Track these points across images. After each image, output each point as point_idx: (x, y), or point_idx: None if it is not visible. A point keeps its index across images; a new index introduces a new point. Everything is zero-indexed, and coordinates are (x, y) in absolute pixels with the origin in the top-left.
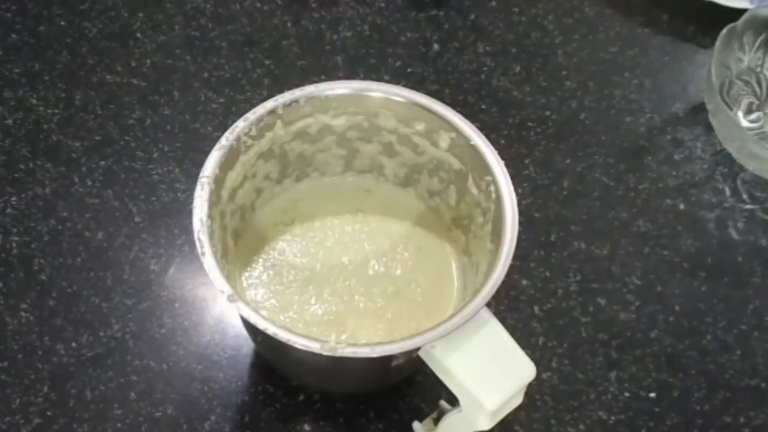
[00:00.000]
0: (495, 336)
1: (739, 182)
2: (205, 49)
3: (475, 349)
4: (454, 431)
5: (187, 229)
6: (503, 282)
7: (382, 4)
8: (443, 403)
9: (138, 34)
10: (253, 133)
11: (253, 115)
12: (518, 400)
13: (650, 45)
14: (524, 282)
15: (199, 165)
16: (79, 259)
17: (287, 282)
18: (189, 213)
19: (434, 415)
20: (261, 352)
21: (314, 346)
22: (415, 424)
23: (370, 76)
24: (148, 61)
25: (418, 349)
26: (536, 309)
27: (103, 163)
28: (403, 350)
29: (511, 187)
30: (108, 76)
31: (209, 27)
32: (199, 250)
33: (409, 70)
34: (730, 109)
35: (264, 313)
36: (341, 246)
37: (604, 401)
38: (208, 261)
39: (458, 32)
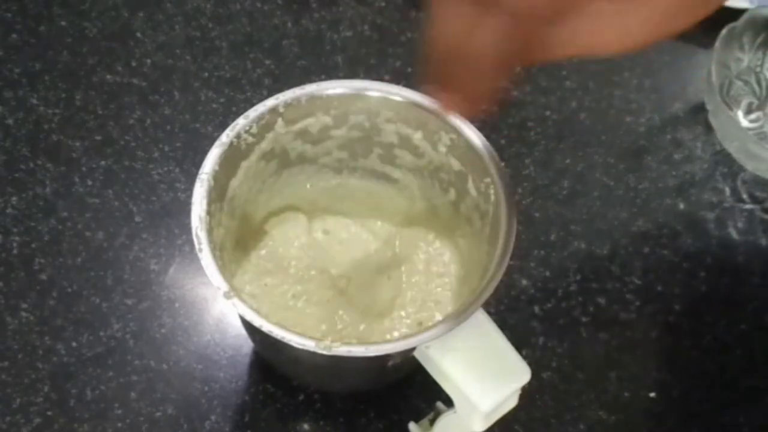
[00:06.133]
0: (490, 338)
1: (738, 182)
2: (205, 49)
3: (471, 351)
4: None
5: (188, 229)
6: (503, 282)
7: (382, 4)
8: (439, 404)
9: (138, 34)
10: (254, 130)
11: (254, 112)
12: (513, 402)
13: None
14: (524, 282)
15: (200, 165)
16: (79, 259)
17: (287, 282)
18: (189, 213)
19: (430, 415)
20: (259, 350)
21: (310, 345)
22: (411, 425)
23: (370, 76)
24: (149, 61)
25: (414, 349)
26: (536, 309)
27: (103, 162)
28: (398, 350)
29: (510, 190)
30: (108, 76)
31: (209, 27)
32: (197, 246)
33: (409, 70)
34: (730, 109)
35: (263, 310)
36: (341, 247)
37: (604, 401)
38: (206, 257)
39: None
